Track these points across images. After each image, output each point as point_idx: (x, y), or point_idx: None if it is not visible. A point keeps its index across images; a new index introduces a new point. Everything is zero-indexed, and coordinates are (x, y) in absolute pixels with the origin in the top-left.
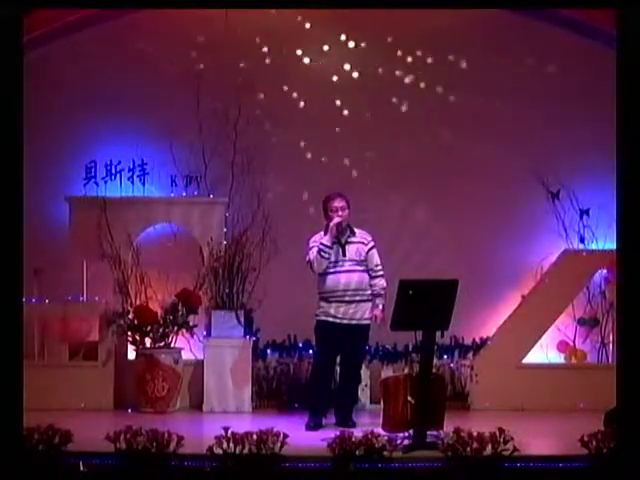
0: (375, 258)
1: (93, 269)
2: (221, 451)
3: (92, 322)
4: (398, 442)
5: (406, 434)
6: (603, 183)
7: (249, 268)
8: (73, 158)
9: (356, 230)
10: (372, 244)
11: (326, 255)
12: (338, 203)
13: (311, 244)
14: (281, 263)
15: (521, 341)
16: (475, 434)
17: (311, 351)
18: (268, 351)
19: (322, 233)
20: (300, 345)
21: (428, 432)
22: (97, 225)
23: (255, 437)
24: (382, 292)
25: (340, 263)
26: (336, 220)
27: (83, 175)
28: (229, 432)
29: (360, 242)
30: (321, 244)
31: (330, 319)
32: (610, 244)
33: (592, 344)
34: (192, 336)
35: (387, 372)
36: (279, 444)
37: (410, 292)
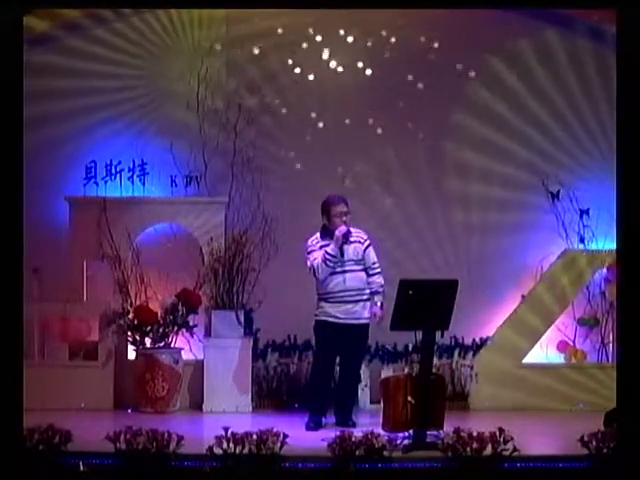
0: (372, 256)
1: (93, 269)
2: (221, 451)
3: (92, 322)
4: (398, 442)
5: (406, 434)
6: (603, 183)
7: (249, 268)
8: (73, 158)
9: (352, 229)
10: (368, 242)
11: (331, 264)
12: (343, 208)
13: (310, 248)
14: (281, 263)
15: (521, 341)
16: (475, 434)
17: (311, 351)
18: (268, 351)
19: (318, 235)
20: (300, 345)
21: (428, 432)
22: (97, 225)
23: (255, 437)
24: (380, 290)
25: (339, 263)
26: (343, 229)
27: (83, 175)
28: (229, 432)
29: (357, 241)
30: (327, 253)
31: (329, 319)
32: (610, 244)
33: (592, 344)
34: (192, 336)
35: (387, 372)
36: (279, 444)
37: (410, 292)
